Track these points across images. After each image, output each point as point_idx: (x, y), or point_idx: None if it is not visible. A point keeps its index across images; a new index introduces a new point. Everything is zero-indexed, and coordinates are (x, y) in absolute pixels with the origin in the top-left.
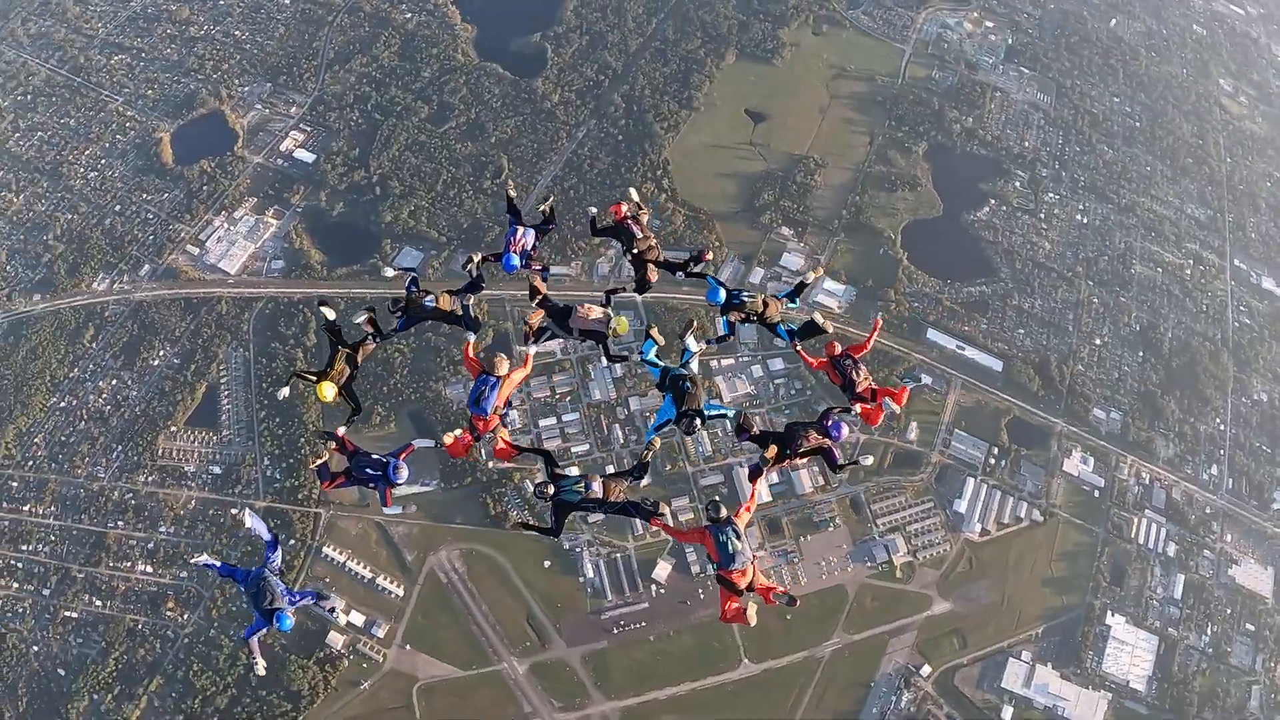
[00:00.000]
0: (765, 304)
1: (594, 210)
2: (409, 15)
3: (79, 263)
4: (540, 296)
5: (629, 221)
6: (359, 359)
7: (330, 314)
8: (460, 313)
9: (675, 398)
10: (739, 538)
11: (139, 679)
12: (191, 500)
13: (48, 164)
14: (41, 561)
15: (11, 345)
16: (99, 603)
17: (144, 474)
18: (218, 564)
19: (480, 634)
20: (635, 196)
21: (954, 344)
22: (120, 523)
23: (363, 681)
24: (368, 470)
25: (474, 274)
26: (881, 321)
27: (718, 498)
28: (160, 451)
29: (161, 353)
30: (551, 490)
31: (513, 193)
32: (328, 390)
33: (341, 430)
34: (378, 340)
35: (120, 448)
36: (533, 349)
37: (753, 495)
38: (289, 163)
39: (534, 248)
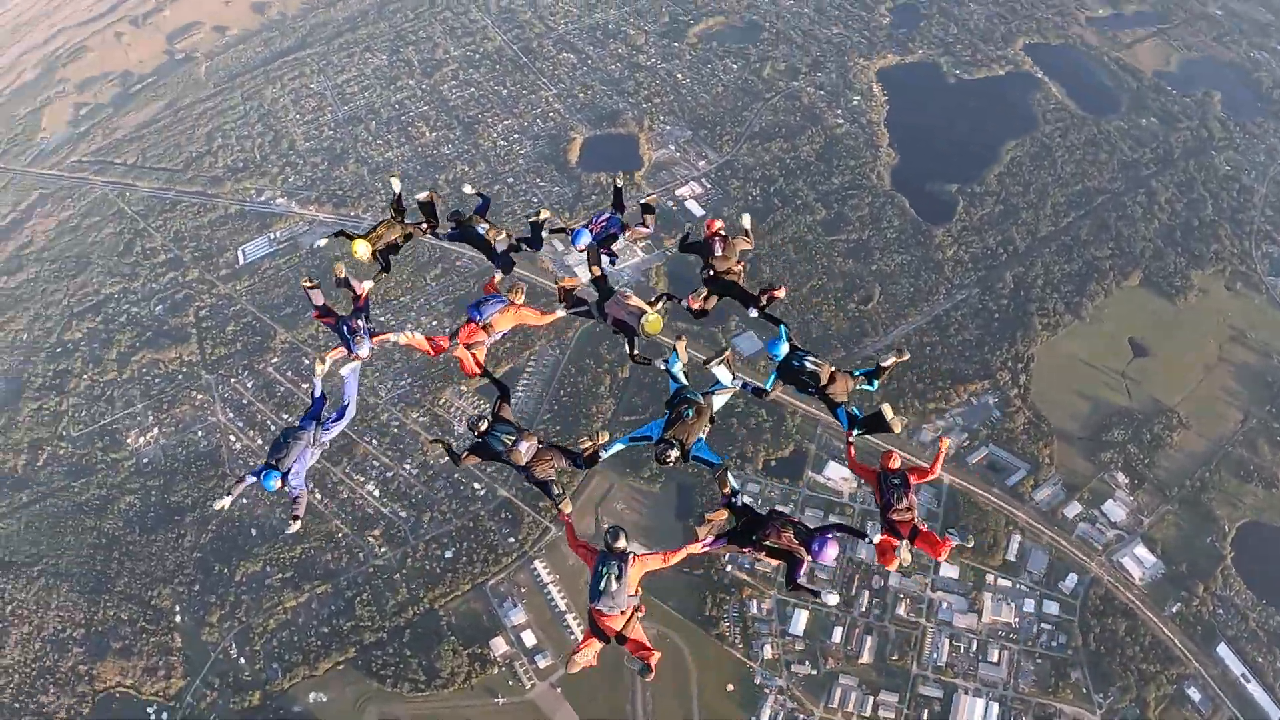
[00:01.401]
0: (832, 377)
1: (689, 227)
2: (840, 121)
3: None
4: (572, 287)
5: (716, 239)
6: (403, 238)
7: (397, 186)
8: (500, 249)
9: (668, 420)
10: (619, 579)
11: (312, 576)
12: (444, 457)
13: (468, 118)
14: None
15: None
16: (319, 495)
17: (417, 412)
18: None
19: (630, 717)
20: (747, 223)
21: (1241, 670)
22: (374, 442)
23: (499, 696)
24: (346, 328)
25: (540, 232)
26: (948, 444)
27: (624, 529)
28: (442, 401)
29: None
30: (483, 427)
31: (620, 183)
32: (361, 248)
33: (366, 285)
34: (428, 228)
35: (410, 380)
36: (560, 312)
37: (678, 551)
38: (678, 208)
39: (612, 237)
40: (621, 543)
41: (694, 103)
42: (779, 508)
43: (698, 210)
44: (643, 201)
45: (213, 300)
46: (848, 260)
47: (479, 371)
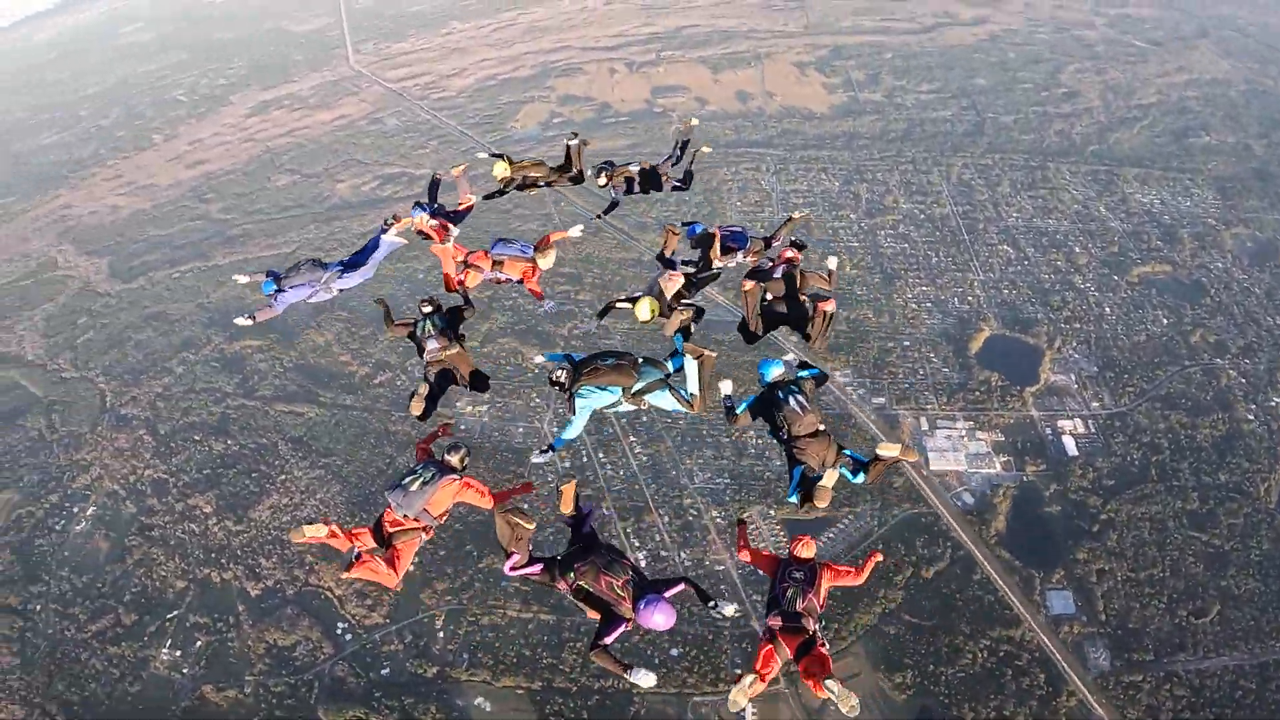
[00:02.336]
0: (815, 433)
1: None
2: (1251, 418)
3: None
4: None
5: (782, 265)
6: (543, 181)
7: (573, 141)
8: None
9: (587, 358)
10: (425, 485)
11: (544, 601)
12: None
13: (890, 269)
14: None
15: None
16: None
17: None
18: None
19: None
20: (832, 264)
21: None
22: (666, 518)
23: None
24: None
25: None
26: (881, 556)
27: (468, 449)
28: None
29: None
30: (427, 310)
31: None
32: (499, 168)
33: (472, 199)
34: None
35: None
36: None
37: (499, 497)
38: (1053, 437)
39: (728, 249)
40: (454, 458)
41: (1111, 341)
42: (626, 555)
43: (1072, 449)
44: (793, 240)
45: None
46: (1199, 564)
47: (455, 287)
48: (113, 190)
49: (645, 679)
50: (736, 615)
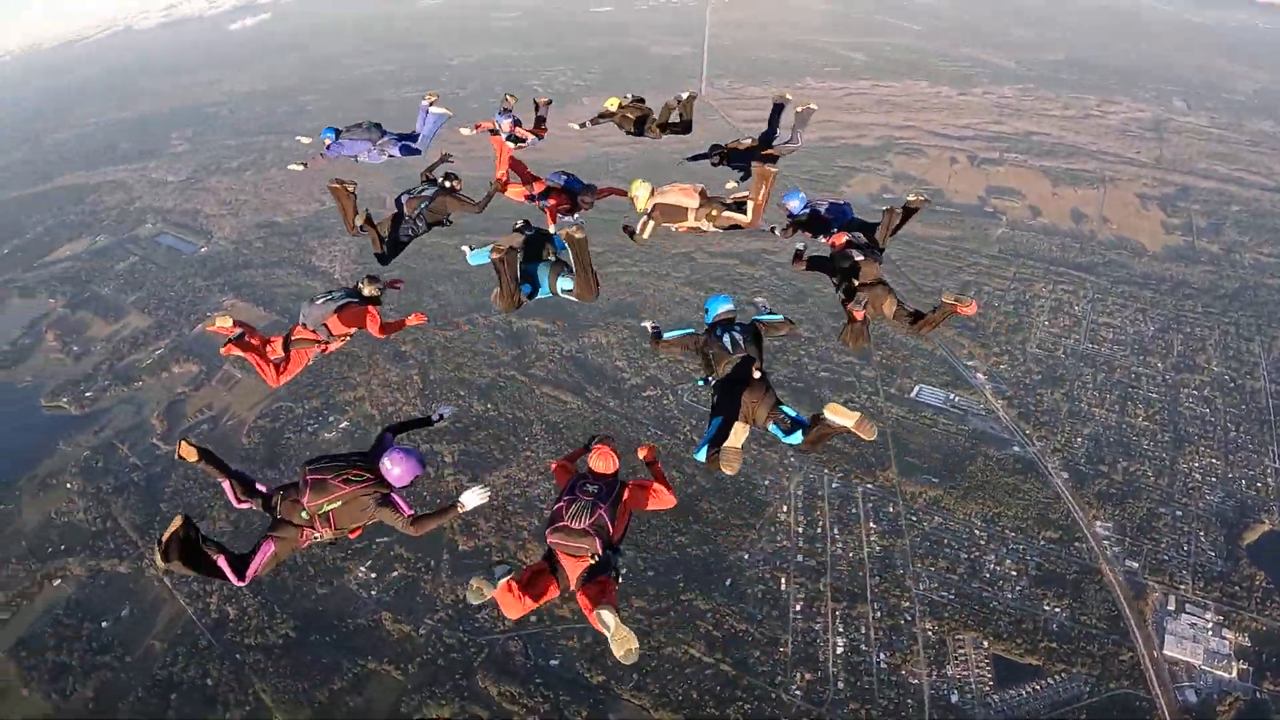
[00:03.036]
0: (754, 383)
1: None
2: None
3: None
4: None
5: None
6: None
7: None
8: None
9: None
10: (330, 303)
11: (728, 650)
12: None
13: (1185, 432)
14: None
15: None
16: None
17: None
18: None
19: None
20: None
21: None
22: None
23: None
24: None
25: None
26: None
27: (387, 284)
28: None
29: None
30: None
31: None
32: (611, 103)
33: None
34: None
35: None
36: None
37: (386, 327)
38: None
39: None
40: (366, 287)
41: None
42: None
43: None
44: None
45: None
46: None
47: (499, 179)
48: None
49: (474, 498)
50: (454, 414)
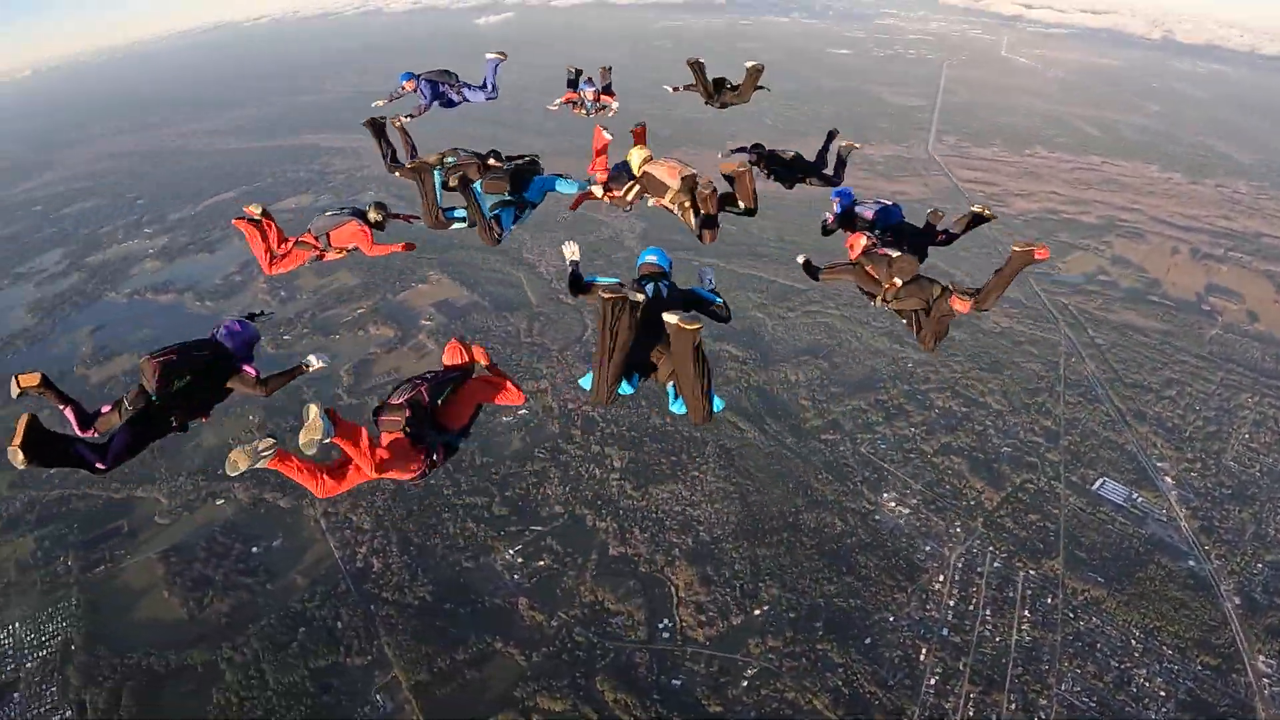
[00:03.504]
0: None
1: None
2: None
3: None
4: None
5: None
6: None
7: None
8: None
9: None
10: (339, 216)
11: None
12: None
13: None
14: None
15: None
16: None
17: None
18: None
19: None
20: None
21: None
22: None
23: None
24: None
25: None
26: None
27: (391, 209)
28: None
29: None
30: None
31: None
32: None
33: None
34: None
35: None
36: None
37: (386, 249)
38: None
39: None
40: (372, 211)
41: None
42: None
43: None
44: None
45: None
46: None
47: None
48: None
49: (316, 361)
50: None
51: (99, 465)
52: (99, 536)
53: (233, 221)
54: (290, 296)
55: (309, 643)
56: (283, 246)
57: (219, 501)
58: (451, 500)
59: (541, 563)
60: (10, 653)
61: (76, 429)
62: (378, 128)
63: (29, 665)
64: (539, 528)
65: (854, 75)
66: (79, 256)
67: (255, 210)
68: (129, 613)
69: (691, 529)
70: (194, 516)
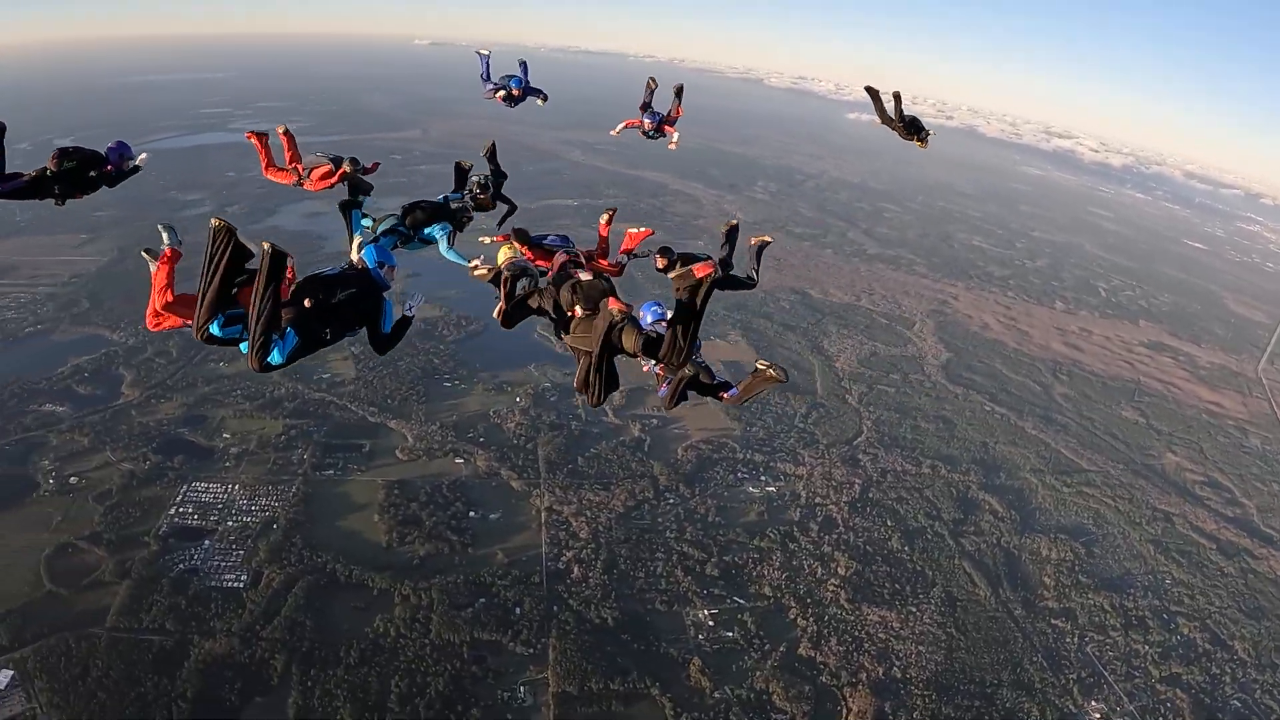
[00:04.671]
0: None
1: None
2: None
3: None
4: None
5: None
6: None
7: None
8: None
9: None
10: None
11: None
12: None
13: None
14: None
15: None
16: None
17: None
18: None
19: None
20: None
21: None
22: None
23: None
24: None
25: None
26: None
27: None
28: None
29: None
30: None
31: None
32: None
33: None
34: None
35: None
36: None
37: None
38: None
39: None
40: (346, 166)
41: None
42: None
43: None
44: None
45: None
46: None
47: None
48: (994, 310)
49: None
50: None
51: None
52: (341, 446)
53: (247, 134)
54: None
55: (483, 614)
56: (296, 164)
57: (458, 460)
58: (671, 544)
59: (730, 634)
60: (219, 507)
61: None
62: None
63: (229, 524)
64: (741, 601)
65: (1200, 271)
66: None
67: (280, 129)
68: (336, 519)
69: (887, 661)
70: (430, 463)
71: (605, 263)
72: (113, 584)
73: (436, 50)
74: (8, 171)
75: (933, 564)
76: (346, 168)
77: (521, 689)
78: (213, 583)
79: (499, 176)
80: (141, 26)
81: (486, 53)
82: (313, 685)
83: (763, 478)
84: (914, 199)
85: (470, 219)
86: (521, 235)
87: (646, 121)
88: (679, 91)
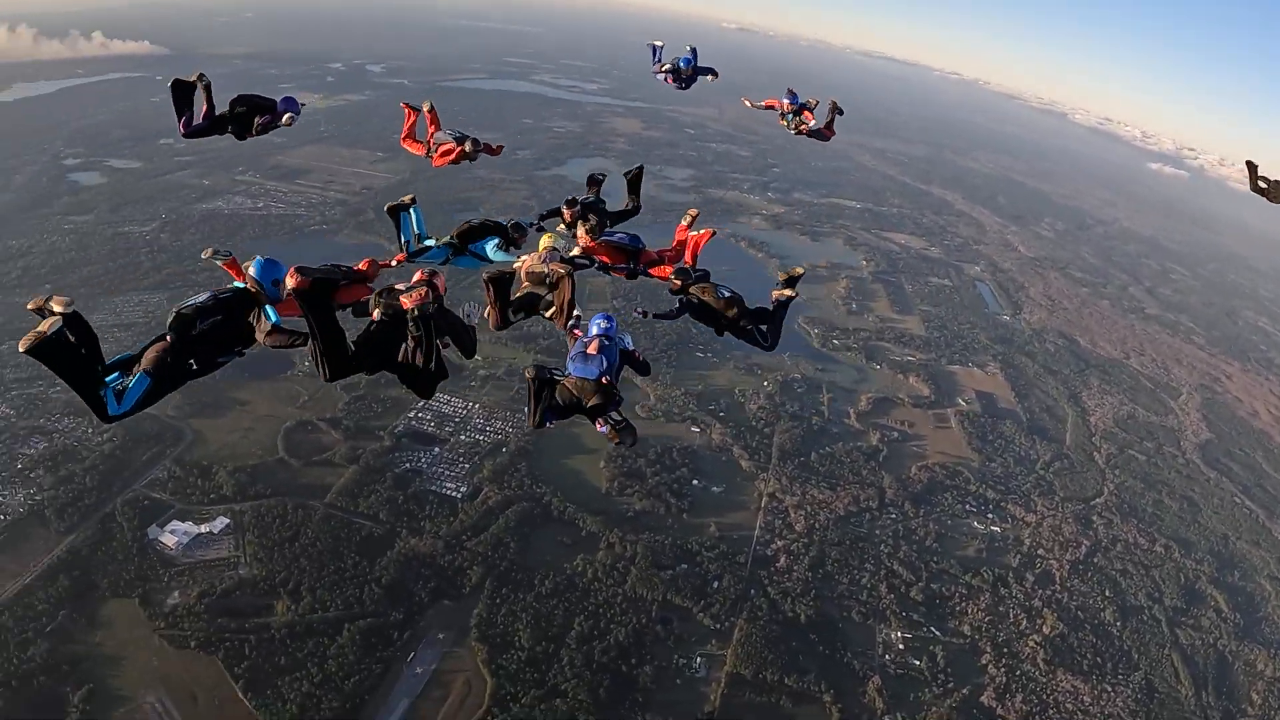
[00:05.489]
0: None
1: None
2: None
3: None
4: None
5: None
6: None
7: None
8: None
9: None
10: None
11: None
12: None
13: None
14: None
15: None
16: None
17: None
18: None
19: None
20: None
21: None
22: None
23: None
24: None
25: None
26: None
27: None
28: None
29: None
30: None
31: None
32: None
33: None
34: None
35: None
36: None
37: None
38: None
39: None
40: (468, 145)
41: None
42: None
43: None
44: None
45: None
46: None
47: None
48: (1268, 399)
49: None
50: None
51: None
52: None
53: (401, 103)
54: (862, 310)
55: (681, 579)
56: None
57: (694, 429)
58: (882, 558)
59: (917, 662)
60: (456, 420)
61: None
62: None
63: (462, 437)
64: (938, 632)
65: None
66: (704, 184)
67: (425, 105)
68: (563, 456)
69: None
70: (666, 425)
71: (668, 271)
72: (340, 466)
73: (743, 35)
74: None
75: (1141, 647)
76: (466, 146)
77: (698, 660)
78: (433, 487)
79: (602, 212)
80: None
81: (660, 44)
82: (500, 603)
83: (990, 515)
84: (1205, 265)
85: (522, 237)
86: (594, 231)
87: (786, 103)
88: (835, 108)
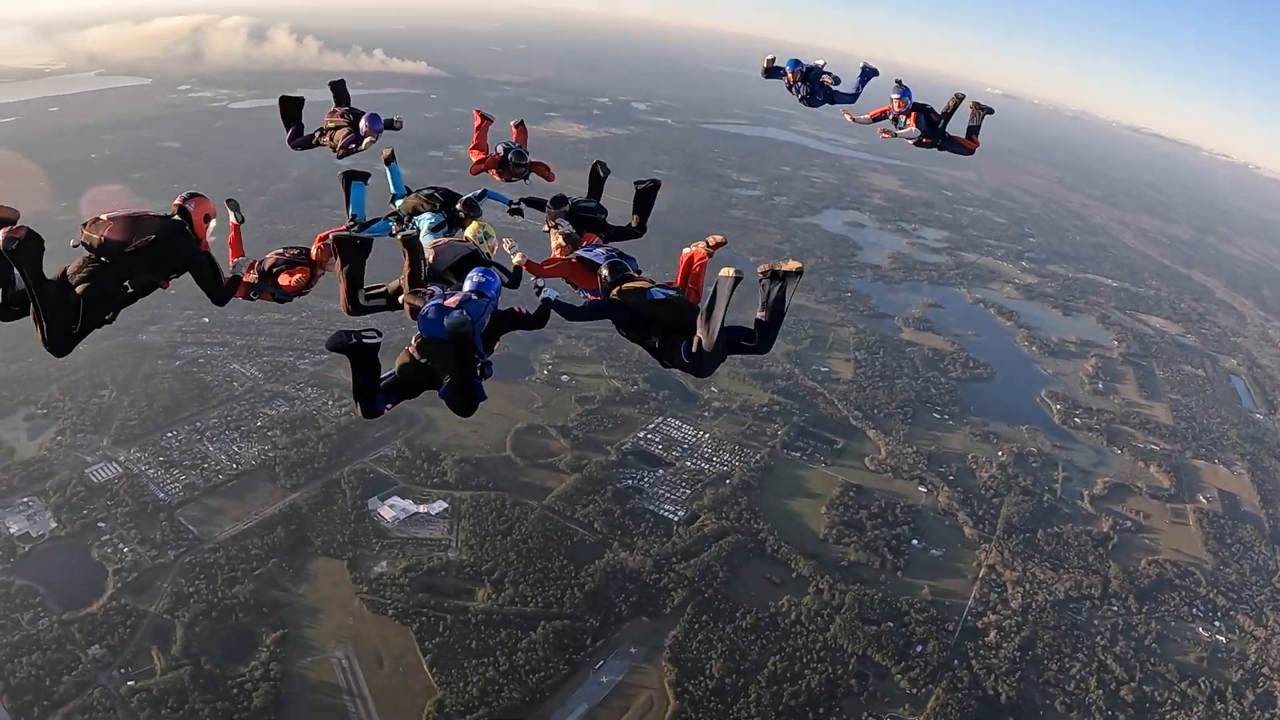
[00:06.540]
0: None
1: None
2: None
3: None
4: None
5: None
6: None
7: None
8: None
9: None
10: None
11: None
12: None
13: None
14: None
15: None
16: None
17: None
18: None
19: None
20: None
21: None
22: None
23: None
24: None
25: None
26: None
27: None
28: None
29: None
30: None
31: None
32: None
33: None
34: None
35: None
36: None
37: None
38: None
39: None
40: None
41: None
42: None
43: None
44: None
45: None
46: None
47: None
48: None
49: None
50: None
51: None
52: (815, 435)
53: (474, 110)
54: (1109, 391)
55: (885, 637)
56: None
57: (921, 488)
58: (1097, 650)
59: None
60: (683, 445)
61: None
62: None
63: (687, 464)
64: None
65: None
66: (958, 247)
67: (512, 123)
68: (785, 497)
69: None
70: (893, 481)
71: None
72: (564, 472)
73: (1006, 100)
74: (306, 134)
75: None
76: (501, 152)
77: None
78: (651, 506)
79: (599, 222)
80: (732, 25)
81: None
82: (698, 629)
83: (1217, 623)
84: None
85: (470, 218)
86: (571, 239)
87: (896, 99)
88: (980, 109)
